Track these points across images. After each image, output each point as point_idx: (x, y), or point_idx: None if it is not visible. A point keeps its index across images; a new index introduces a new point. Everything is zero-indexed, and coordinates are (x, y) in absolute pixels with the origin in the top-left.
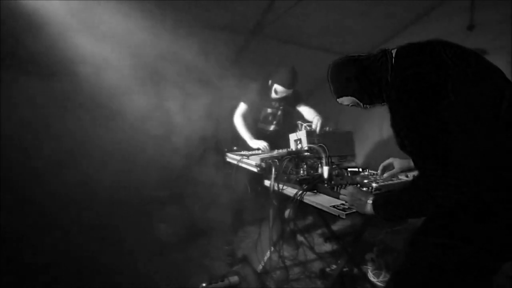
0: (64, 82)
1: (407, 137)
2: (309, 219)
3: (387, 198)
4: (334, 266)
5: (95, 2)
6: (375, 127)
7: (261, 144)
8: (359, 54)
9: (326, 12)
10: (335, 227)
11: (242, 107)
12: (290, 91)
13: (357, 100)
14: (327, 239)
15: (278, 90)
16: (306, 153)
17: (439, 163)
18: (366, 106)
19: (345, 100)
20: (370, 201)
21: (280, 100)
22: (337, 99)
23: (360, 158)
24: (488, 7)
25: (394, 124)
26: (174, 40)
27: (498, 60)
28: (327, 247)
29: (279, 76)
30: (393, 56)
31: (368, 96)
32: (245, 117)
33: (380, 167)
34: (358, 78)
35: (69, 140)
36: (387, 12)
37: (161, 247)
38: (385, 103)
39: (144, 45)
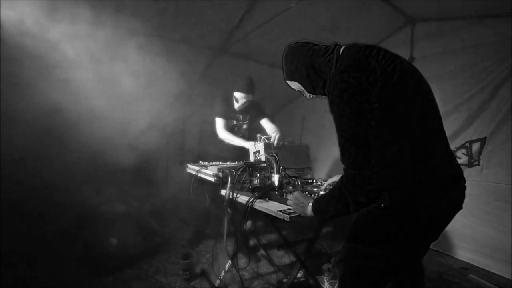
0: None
1: (337, 135)
2: (273, 234)
3: (320, 199)
4: None
5: None
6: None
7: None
8: (313, 43)
9: (289, 35)
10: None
11: (220, 122)
12: (249, 97)
13: (302, 88)
14: (279, 246)
15: (237, 97)
16: (263, 164)
17: (355, 162)
18: (310, 95)
19: (293, 85)
20: (310, 204)
21: (245, 113)
22: (286, 81)
23: (322, 173)
24: (427, 42)
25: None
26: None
27: (433, 88)
28: (287, 259)
29: (236, 84)
30: (340, 53)
31: (312, 87)
32: (226, 128)
33: (325, 184)
34: (307, 69)
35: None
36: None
37: (111, 263)
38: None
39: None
